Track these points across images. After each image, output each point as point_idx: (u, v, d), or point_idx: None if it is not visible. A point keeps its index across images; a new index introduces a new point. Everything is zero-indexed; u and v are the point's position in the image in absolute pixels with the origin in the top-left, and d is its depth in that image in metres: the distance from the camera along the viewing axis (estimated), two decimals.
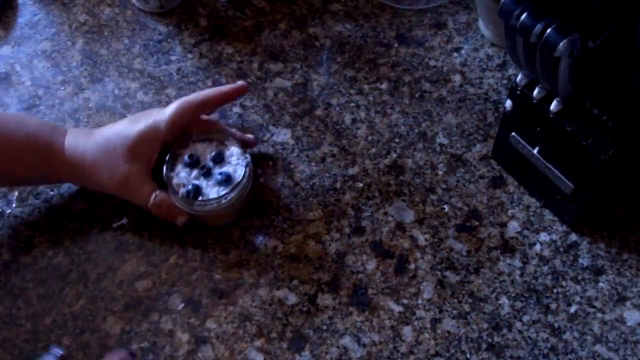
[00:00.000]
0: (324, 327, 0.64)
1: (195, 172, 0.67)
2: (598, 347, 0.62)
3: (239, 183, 0.66)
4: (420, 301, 0.65)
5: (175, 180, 0.67)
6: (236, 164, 0.67)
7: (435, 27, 0.84)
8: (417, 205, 0.71)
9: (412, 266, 0.67)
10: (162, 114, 0.67)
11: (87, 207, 0.72)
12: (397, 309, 0.65)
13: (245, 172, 0.66)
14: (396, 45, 0.83)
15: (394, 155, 0.74)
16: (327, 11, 0.86)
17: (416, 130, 0.76)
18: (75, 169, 0.67)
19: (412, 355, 0.62)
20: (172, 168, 0.67)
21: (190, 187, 0.65)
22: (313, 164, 0.74)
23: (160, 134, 0.66)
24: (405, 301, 0.65)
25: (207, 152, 0.68)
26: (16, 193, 0.73)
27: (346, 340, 0.63)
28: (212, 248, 0.69)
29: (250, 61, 0.82)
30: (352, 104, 0.78)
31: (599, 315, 0.64)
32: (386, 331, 0.64)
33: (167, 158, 0.67)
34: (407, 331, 0.64)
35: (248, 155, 0.68)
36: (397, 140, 0.75)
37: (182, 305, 0.66)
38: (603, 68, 0.57)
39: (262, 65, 0.82)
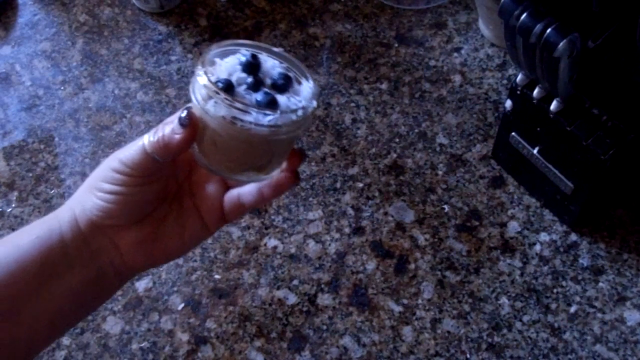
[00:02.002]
0: (324, 327, 0.64)
1: (247, 77, 0.44)
2: (598, 347, 0.62)
3: (305, 108, 0.43)
4: (420, 301, 0.65)
5: (212, 68, 0.44)
6: (275, 63, 0.46)
7: (435, 27, 0.84)
8: (417, 205, 0.71)
9: (412, 266, 0.67)
10: None
11: None
12: (397, 309, 0.65)
13: (312, 104, 0.44)
14: (396, 45, 0.83)
15: (394, 155, 0.74)
16: (327, 11, 0.86)
17: (416, 130, 0.76)
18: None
19: (412, 355, 0.62)
20: (219, 56, 0.45)
21: (263, 96, 0.43)
22: (313, 164, 0.74)
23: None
24: (405, 301, 0.65)
25: (274, 69, 0.46)
26: (16, 193, 0.73)
27: (346, 340, 0.63)
28: (212, 248, 0.69)
29: None
30: (352, 104, 0.78)
31: (599, 315, 0.64)
32: (386, 331, 0.64)
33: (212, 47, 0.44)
34: (407, 331, 0.64)
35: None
36: (397, 140, 0.75)
37: (182, 305, 0.66)
38: (603, 68, 0.57)
39: None
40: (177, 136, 0.42)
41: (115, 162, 0.44)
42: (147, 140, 0.44)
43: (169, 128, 0.43)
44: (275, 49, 0.46)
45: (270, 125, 0.41)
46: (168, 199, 0.48)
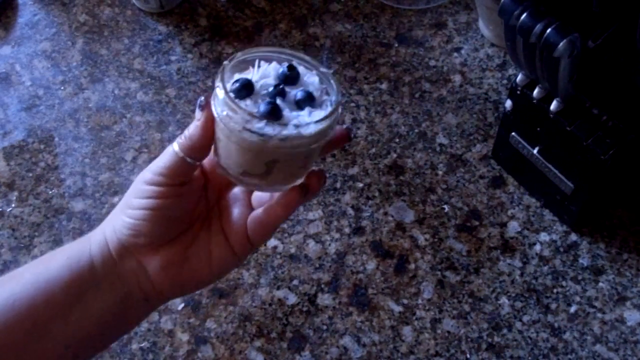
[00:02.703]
0: (324, 327, 0.64)
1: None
2: (598, 347, 0.62)
3: (332, 113, 0.43)
4: (420, 301, 0.65)
5: (237, 73, 0.44)
6: (317, 82, 0.45)
7: (435, 27, 0.84)
8: (417, 205, 0.71)
9: (412, 266, 0.67)
10: None
11: (87, 207, 0.72)
12: (397, 309, 0.65)
13: (338, 87, 0.44)
14: (396, 45, 0.83)
15: (394, 155, 0.74)
16: (327, 11, 0.86)
17: (416, 130, 0.76)
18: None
19: (412, 355, 0.62)
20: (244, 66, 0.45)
21: (266, 105, 0.42)
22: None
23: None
24: (405, 301, 0.65)
25: (307, 87, 0.45)
26: (16, 193, 0.73)
27: (346, 340, 0.63)
28: None
29: None
30: (352, 104, 0.78)
31: (599, 315, 0.64)
32: (386, 331, 0.64)
33: (224, 66, 0.43)
34: (407, 331, 0.64)
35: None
36: (397, 140, 0.75)
37: (182, 305, 0.66)
38: (603, 68, 0.57)
39: None
40: (198, 122, 0.43)
41: (147, 174, 0.44)
42: (176, 143, 0.44)
43: (192, 123, 0.44)
44: (324, 69, 0.45)
45: (258, 133, 0.40)
46: (197, 222, 0.48)
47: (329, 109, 0.43)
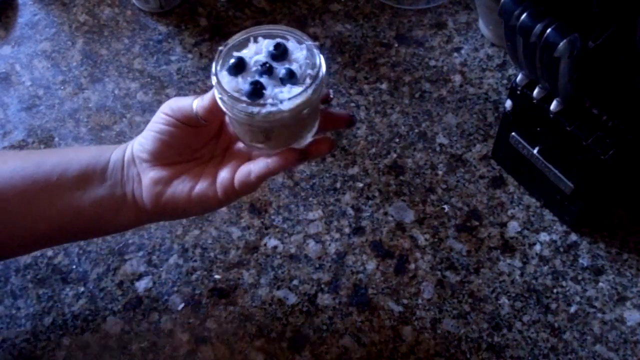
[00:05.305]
0: (324, 327, 0.64)
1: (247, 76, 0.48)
2: (598, 347, 0.62)
3: (317, 74, 0.47)
4: (420, 301, 0.65)
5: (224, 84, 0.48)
6: (304, 57, 0.49)
7: (435, 27, 0.84)
8: (417, 205, 0.71)
9: (412, 266, 0.67)
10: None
11: None
12: (397, 309, 0.65)
13: (320, 59, 0.48)
14: (396, 45, 0.83)
15: (394, 155, 0.74)
16: (327, 11, 0.86)
17: (416, 130, 0.76)
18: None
19: (412, 355, 0.62)
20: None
21: (249, 85, 0.47)
22: (313, 164, 0.74)
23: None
24: (405, 301, 0.65)
25: (292, 63, 0.49)
26: None
27: (346, 340, 0.63)
28: (212, 248, 0.69)
29: None
30: (352, 104, 0.78)
31: (599, 315, 0.64)
32: (386, 331, 0.64)
33: (219, 51, 0.49)
34: (407, 331, 0.64)
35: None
36: (397, 140, 0.75)
37: (182, 305, 0.66)
38: (603, 68, 0.57)
39: None
40: (209, 98, 0.50)
41: (166, 107, 0.53)
42: (195, 101, 0.51)
43: (209, 93, 0.50)
44: (310, 43, 0.49)
45: (245, 112, 0.46)
46: (196, 160, 0.54)
47: (307, 83, 0.47)
